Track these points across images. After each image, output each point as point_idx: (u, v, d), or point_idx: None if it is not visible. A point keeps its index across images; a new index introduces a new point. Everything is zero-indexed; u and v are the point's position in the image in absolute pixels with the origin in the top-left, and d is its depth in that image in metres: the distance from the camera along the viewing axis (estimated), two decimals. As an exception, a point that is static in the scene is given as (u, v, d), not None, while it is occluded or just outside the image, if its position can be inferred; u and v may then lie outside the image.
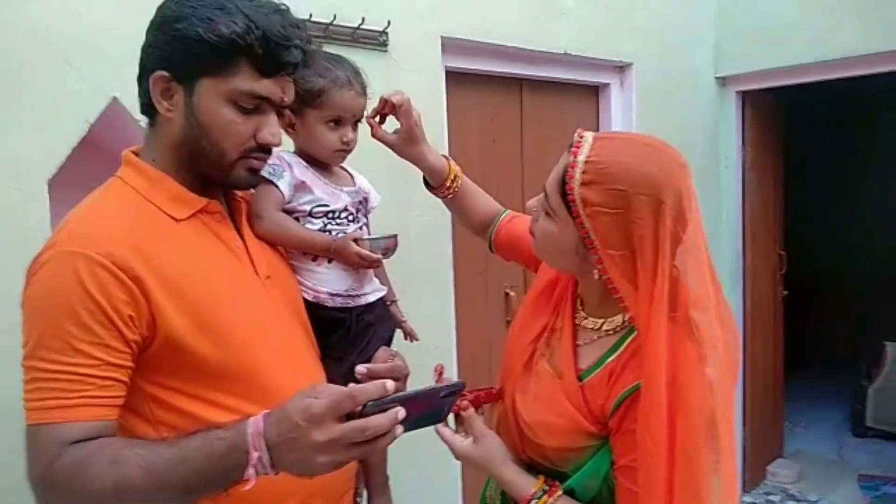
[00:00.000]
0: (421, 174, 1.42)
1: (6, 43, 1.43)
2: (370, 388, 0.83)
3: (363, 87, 1.30)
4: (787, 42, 3.19)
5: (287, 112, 1.26)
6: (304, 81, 1.23)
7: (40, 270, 0.94)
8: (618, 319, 1.09)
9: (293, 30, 1.02)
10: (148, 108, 1.05)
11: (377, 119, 1.33)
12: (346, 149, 1.30)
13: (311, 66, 1.23)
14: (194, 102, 1.00)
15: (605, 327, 1.10)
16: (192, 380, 1.00)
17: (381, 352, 1.30)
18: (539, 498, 1.07)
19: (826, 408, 4.89)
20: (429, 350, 2.24)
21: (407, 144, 1.34)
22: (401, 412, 0.83)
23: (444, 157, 1.42)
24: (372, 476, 1.35)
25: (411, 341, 1.48)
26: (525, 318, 1.25)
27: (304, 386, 1.13)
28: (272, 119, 1.05)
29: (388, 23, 2.05)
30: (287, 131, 1.30)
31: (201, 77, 0.99)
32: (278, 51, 0.99)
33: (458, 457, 1.16)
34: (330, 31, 1.92)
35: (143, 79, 1.03)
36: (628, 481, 1.00)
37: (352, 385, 0.86)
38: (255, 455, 0.84)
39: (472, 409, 1.17)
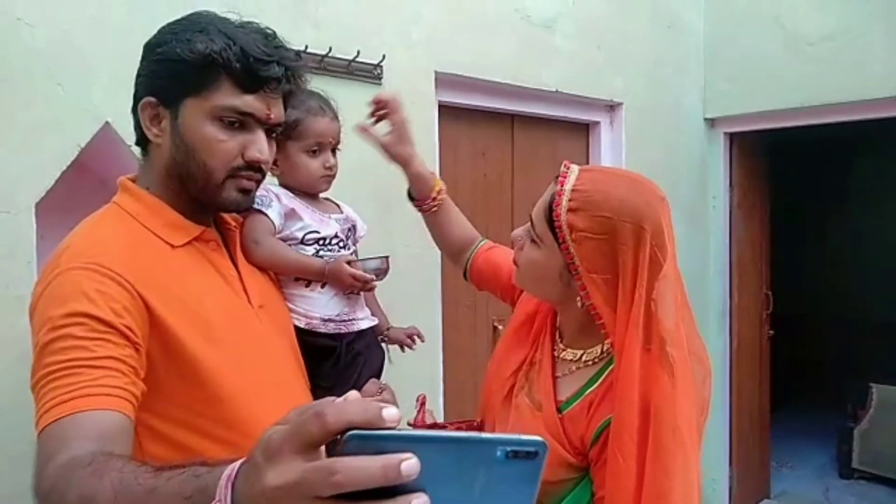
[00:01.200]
0: (405, 198, 1.43)
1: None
2: (350, 408, 0.49)
3: (335, 113, 1.35)
4: (773, 86, 3.26)
5: None
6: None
7: (43, 291, 0.92)
8: (596, 350, 1.10)
9: (273, 47, 1.02)
10: (141, 137, 1.06)
11: (372, 120, 1.35)
12: (329, 174, 1.33)
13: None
14: (180, 124, 1.01)
15: (584, 358, 1.11)
16: (183, 405, 0.98)
17: (370, 384, 1.29)
18: None
19: (812, 449, 4.87)
20: (415, 380, 2.22)
21: (398, 143, 1.36)
22: (408, 461, 0.46)
23: (430, 171, 1.43)
24: None
25: (422, 341, 1.52)
26: (504, 352, 1.25)
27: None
28: (259, 137, 1.04)
29: (383, 56, 2.08)
30: (270, 169, 1.32)
31: (185, 98, 1.00)
32: (257, 65, 0.99)
33: None
34: (325, 63, 1.94)
35: (135, 108, 1.04)
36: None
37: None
38: None
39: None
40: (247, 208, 1.14)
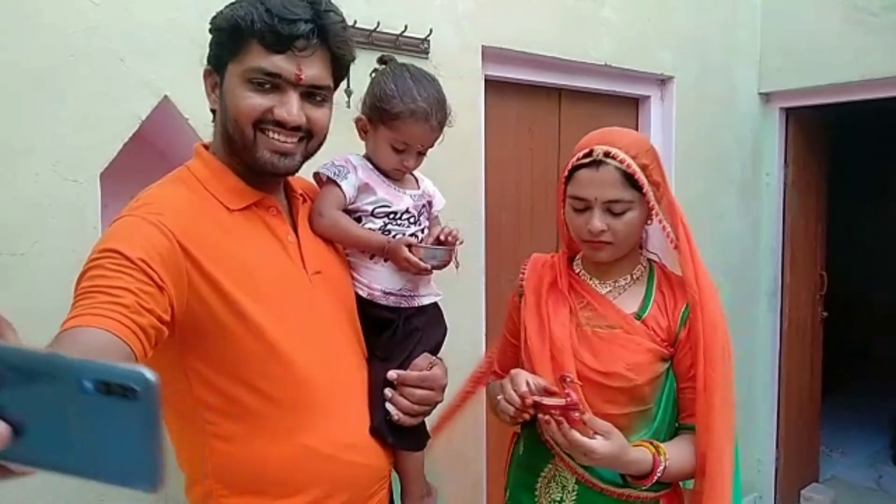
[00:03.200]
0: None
1: (59, 39, 1.49)
2: None
3: (440, 121, 1.30)
4: (831, 59, 3.14)
5: (363, 118, 1.31)
6: (385, 99, 1.26)
7: (104, 233, 1.01)
8: (629, 274, 1.40)
9: (299, 5, 1.03)
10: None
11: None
12: (403, 170, 1.33)
13: (398, 84, 1.26)
14: (224, 89, 1.07)
15: (621, 283, 1.40)
16: (230, 359, 1.03)
17: (421, 358, 1.30)
18: (663, 456, 1.26)
19: (865, 434, 4.74)
20: (459, 355, 2.26)
21: None
22: None
23: None
24: (406, 484, 1.34)
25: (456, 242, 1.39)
26: (543, 320, 1.40)
27: (343, 380, 1.17)
28: (289, 97, 1.05)
29: (430, 30, 2.09)
30: (360, 135, 1.35)
31: (228, 64, 1.06)
32: (281, 25, 1.01)
33: (598, 457, 1.19)
34: (373, 38, 1.96)
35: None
36: (695, 382, 1.30)
37: None
38: None
39: (589, 413, 1.23)
40: (287, 172, 1.13)
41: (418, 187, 1.40)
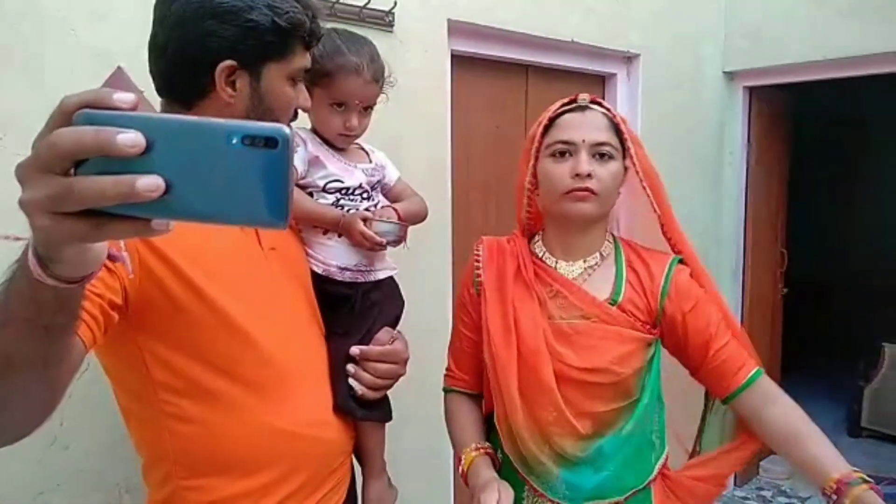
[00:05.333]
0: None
1: (7, 8, 1.43)
2: (83, 93, 0.48)
3: (374, 75, 1.28)
4: (795, 39, 3.18)
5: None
6: (317, 60, 1.23)
7: None
8: (598, 252, 1.30)
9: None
10: (190, 91, 1.04)
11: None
12: (348, 133, 1.29)
13: (327, 44, 1.24)
14: (262, 87, 1.05)
15: (590, 263, 1.29)
16: (186, 337, 1.00)
17: (382, 333, 1.29)
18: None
19: (822, 408, 4.86)
20: (425, 333, 2.24)
21: None
22: (126, 134, 0.46)
23: None
24: (367, 460, 1.34)
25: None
26: (509, 316, 1.27)
27: (303, 356, 1.15)
28: (303, 85, 1.13)
29: (395, 3, 2.05)
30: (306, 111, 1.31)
31: (268, 63, 1.04)
32: (315, 23, 1.07)
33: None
34: (336, 10, 1.92)
35: (195, 65, 1.02)
36: (723, 337, 1.25)
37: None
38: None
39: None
40: None
41: (370, 161, 1.37)
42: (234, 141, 0.47)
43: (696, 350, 1.26)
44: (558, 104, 1.29)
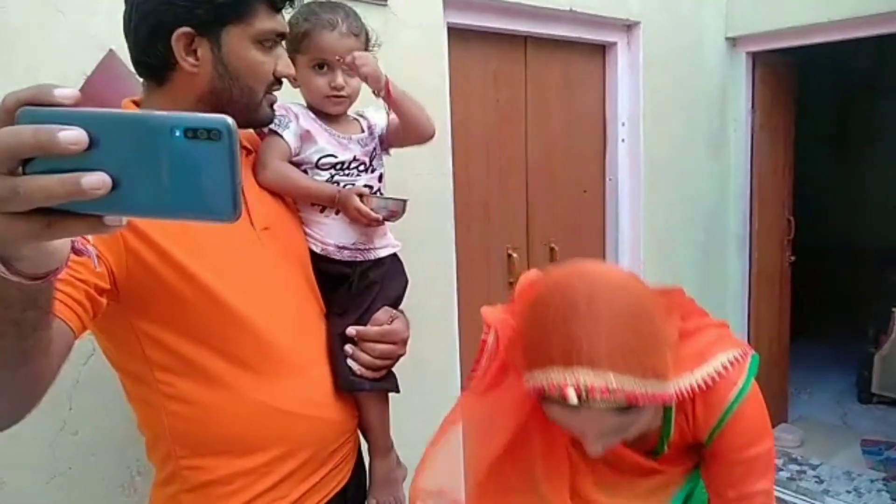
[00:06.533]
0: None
1: (-3, -8, 1.41)
2: (23, 90, 0.48)
3: (350, 29, 1.26)
4: (797, 1, 3.12)
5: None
6: (292, 27, 1.21)
7: None
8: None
9: None
10: (158, 66, 1.03)
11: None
12: (336, 94, 1.26)
13: (301, 11, 1.23)
14: (224, 52, 1.02)
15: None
16: (178, 318, 1.00)
17: (381, 312, 1.27)
18: None
19: (832, 375, 4.88)
20: (430, 310, 2.24)
21: None
22: (67, 131, 0.46)
23: None
24: (372, 438, 1.32)
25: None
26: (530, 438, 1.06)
27: (299, 336, 1.15)
28: (283, 51, 1.11)
29: (389, -24, 2.02)
30: (292, 84, 1.29)
31: (227, 26, 1.02)
32: None
33: None
34: (328, -16, 1.89)
35: (154, 37, 1.00)
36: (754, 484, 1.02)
37: None
38: None
39: None
40: (270, 122, 1.17)
41: (363, 129, 1.33)
42: (178, 134, 0.47)
43: (721, 468, 1.04)
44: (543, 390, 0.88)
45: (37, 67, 1.47)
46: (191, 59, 1.01)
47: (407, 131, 1.34)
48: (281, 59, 1.09)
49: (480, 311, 1.11)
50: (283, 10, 1.08)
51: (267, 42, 1.06)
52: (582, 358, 0.82)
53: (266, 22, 1.04)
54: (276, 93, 1.15)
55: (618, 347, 0.83)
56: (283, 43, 1.12)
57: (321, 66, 1.25)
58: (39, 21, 1.47)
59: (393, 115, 1.34)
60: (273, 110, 1.13)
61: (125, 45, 1.53)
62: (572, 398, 0.82)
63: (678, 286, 1.10)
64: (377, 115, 1.37)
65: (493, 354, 1.07)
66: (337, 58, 1.24)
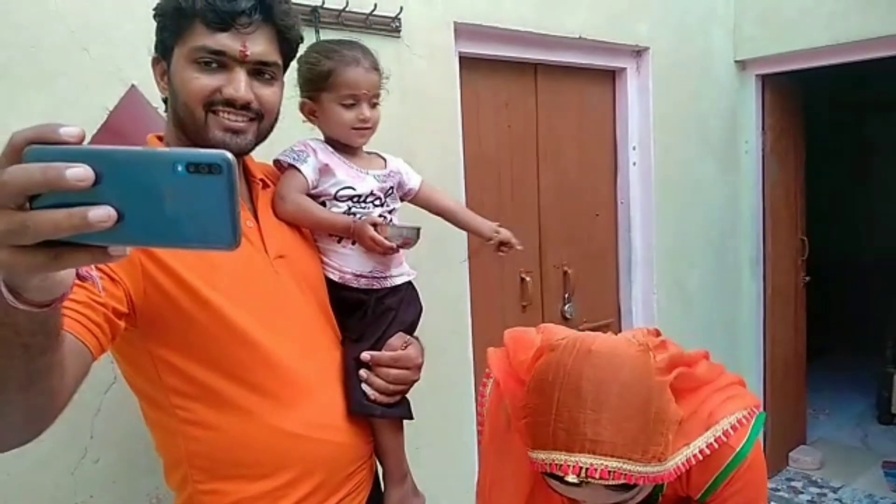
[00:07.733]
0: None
1: (17, 29, 1.46)
2: (28, 130, 0.50)
3: (372, 64, 1.31)
4: (805, 24, 3.15)
5: (307, 101, 1.31)
6: (313, 66, 1.27)
7: None
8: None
9: None
10: (164, 97, 1.12)
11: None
12: (363, 126, 1.31)
13: (317, 50, 1.28)
14: (171, 73, 1.06)
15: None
16: (194, 344, 1.03)
17: (396, 338, 1.29)
18: None
19: (850, 395, 4.82)
20: (444, 334, 2.25)
21: None
22: (74, 168, 0.47)
23: None
24: (387, 465, 1.33)
25: (509, 250, 1.59)
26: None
27: (313, 361, 1.17)
28: (236, 75, 1.05)
29: (401, 8, 2.06)
30: (310, 120, 1.34)
31: (174, 48, 1.05)
32: (223, 2, 1.01)
33: None
34: (342, 18, 1.94)
35: (153, 68, 1.11)
36: None
37: None
38: None
39: None
40: (240, 151, 1.10)
41: (385, 167, 1.38)
42: (180, 169, 0.49)
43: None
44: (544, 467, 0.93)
45: (62, 104, 1.51)
46: (162, 83, 1.08)
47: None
48: (231, 83, 1.04)
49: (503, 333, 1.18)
50: (231, 30, 1.03)
51: (204, 60, 1.03)
52: (585, 446, 0.88)
53: (199, 39, 1.02)
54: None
55: (621, 437, 0.88)
56: (274, 70, 1.10)
57: (349, 100, 1.29)
58: (66, 59, 1.52)
59: (428, 190, 1.48)
60: (231, 135, 1.07)
61: (149, 81, 1.59)
62: (573, 480, 0.88)
63: (703, 351, 1.10)
64: (411, 175, 1.44)
65: (494, 401, 1.13)
66: (363, 91, 1.29)
